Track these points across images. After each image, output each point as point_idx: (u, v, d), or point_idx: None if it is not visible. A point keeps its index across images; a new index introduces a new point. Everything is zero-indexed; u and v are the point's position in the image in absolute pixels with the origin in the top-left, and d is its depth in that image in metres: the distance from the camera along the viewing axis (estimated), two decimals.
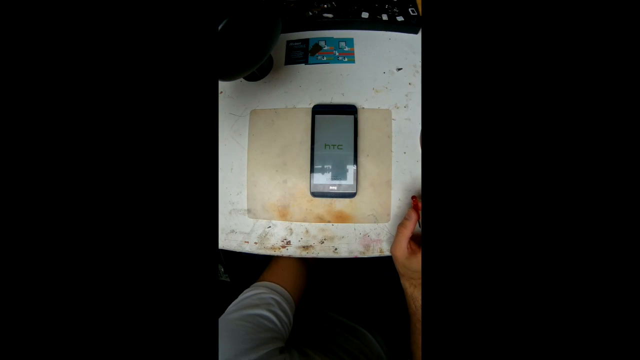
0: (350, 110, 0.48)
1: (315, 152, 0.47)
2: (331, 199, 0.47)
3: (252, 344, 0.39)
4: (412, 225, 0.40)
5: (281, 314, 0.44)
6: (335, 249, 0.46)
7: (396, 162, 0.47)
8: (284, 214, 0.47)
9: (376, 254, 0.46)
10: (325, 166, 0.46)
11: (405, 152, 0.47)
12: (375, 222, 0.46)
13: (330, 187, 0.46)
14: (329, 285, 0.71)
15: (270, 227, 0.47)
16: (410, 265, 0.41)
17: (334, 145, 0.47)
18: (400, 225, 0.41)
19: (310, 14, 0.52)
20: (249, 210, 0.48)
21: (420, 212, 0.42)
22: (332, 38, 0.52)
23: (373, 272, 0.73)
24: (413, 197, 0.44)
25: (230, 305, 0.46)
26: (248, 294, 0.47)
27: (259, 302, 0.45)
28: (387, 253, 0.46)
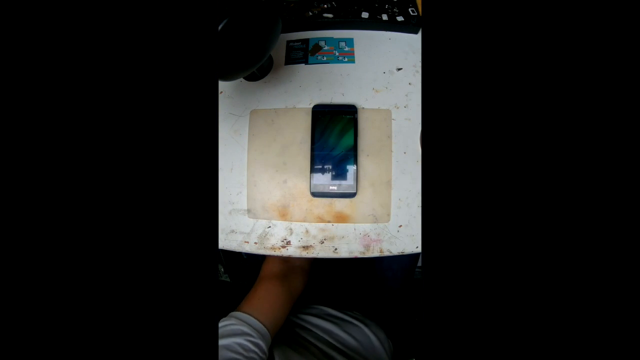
0: (350, 110, 0.47)
1: (315, 152, 0.47)
2: (331, 199, 0.47)
3: None
4: None
5: (250, 346, 0.43)
6: (335, 249, 0.46)
7: (396, 162, 0.47)
8: (284, 214, 0.47)
9: (376, 254, 0.46)
10: (325, 166, 0.46)
11: (405, 152, 0.47)
12: (375, 222, 0.46)
13: (330, 187, 0.46)
14: (325, 280, 0.70)
15: (270, 227, 0.47)
16: None
17: (334, 145, 0.47)
18: None
19: (310, 14, 0.52)
20: (249, 210, 0.48)
21: None
22: (332, 38, 0.52)
23: (370, 267, 0.73)
24: None
25: None
26: (220, 325, 0.46)
27: (228, 333, 0.44)
28: (387, 253, 0.46)
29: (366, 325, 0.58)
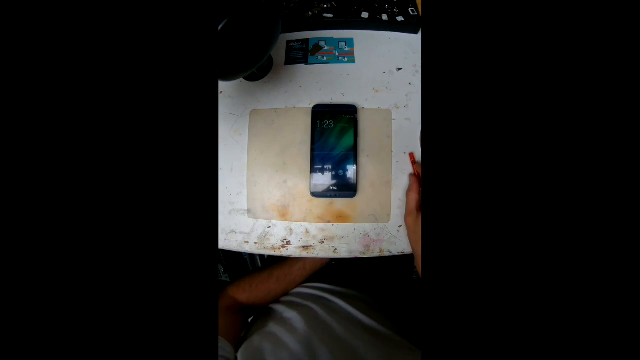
0: (350, 110, 0.48)
1: (315, 152, 0.47)
2: (331, 199, 0.47)
3: None
4: (416, 194, 0.43)
5: None
6: (335, 249, 0.46)
7: (396, 162, 0.47)
8: (284, 214, 0.47)
9: (376, 254, 0.46)
10: (325, 166, 0.46)
11: (405, 152, 0.47)
12: (375, 222, 0.46)
13: (330, 187, 0.46)
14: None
15: (270, 227, 0.47)
16: (417, 229, 0.43)
17: (334, 146, 0.47)
18: (407, 196, 0.45)
19: (310, 14, 0.52)
20: (249, 210, 0.48)
21: (419, 176, 0.45)
22: (332, 38, 0.52)
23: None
24: (410, 154, 0.47)
25: None
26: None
27: None
28: (387, 253, 0.46)
29: (361, 299, 0.57)
